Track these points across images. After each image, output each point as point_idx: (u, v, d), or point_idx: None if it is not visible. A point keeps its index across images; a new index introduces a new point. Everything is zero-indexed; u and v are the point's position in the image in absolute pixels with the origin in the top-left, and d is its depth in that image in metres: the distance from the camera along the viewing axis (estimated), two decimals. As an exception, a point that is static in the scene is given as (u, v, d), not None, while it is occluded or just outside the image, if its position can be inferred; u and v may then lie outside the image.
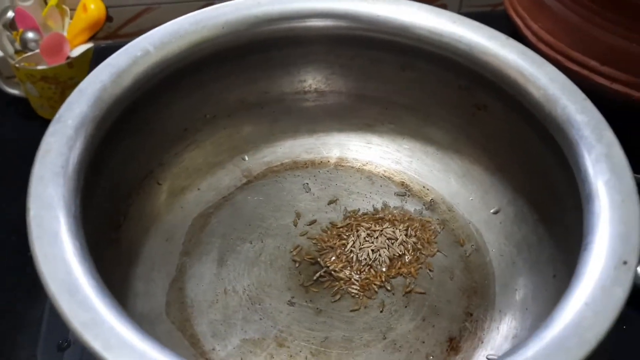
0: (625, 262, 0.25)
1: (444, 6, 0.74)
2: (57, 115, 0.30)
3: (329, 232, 0.40)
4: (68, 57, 0.68)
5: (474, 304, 0.36)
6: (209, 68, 0.39)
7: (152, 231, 0.38)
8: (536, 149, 0.35)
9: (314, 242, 0.40)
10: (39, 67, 0.68)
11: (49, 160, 0.28)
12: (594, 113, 0.31)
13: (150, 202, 0.39)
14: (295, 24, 0.39)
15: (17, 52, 0.68)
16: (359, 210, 0.42)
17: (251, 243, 0.40)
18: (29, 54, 0.68)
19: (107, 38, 0.73)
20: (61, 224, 0.26)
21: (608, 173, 0.28)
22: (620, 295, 0.24)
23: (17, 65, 0.68)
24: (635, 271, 0.24)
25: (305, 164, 0.44)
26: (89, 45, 0.69)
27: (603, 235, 0.26)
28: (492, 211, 0.40)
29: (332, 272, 0.38)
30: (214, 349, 0.34)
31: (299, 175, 0.44)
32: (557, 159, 0.33)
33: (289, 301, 0.37)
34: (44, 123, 0.76)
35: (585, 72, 0.44)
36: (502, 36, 0.36)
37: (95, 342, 0.22)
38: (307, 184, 0.43)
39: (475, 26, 0.37)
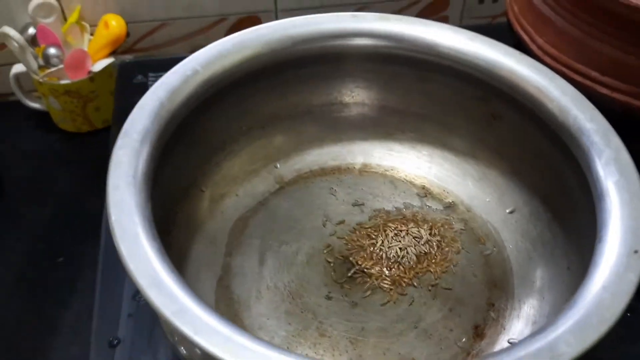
0: (636, 251, 0.28)
1: (445, 18, 0.79)
2: (123, 130, 0.34)
3: (357, 232, 0.44)
4: (90, 72, 0.71)
5: (495, 296, 0.40)
6: (247, 85, 0.42)
7: (197, 235, 0.42)
8: (549, 154, 0.39)
9: (344, 242, 0.43)
10: (62, 82, 0.71)
11: (122, 171, 0.31)
12: (602, 121, 0.35)
13: (195, 208, 0.42)
14: (326, 44, 0.43)
15: (40, 67, 0.71)
16: (384, 211, 0.45)
17: (287, 244, 0.43)
18: (53, 69, 0.71)
19: (124, 52, 0.77)
20: (139, 227, 0.29)
21: (617, 174, 0.32)
22: (633, 279, 0.27)
23: (41, 80, 0.71)
24: None
25: (332, 170, 0.48)
26: (110, 60, 0.72)
27: (615, 229, 0.30)
28: (508, 211, 0.43)
29: (364, 269, 0.42)
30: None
31: (326, 181, 0.47)
32: (569, 163, 0.37)
33: (326, 296, 0.40)
34: (64, 135, 0.80)
35: (587, 82, 0.48)
36: (516, 52, 0.40)
37: (185, 328, 0.25)
38: (335, 188, 0.47)
39: (491, 43, 0.41)
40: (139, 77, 0.65)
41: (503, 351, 0.25)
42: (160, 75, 0.65)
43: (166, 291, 0.27)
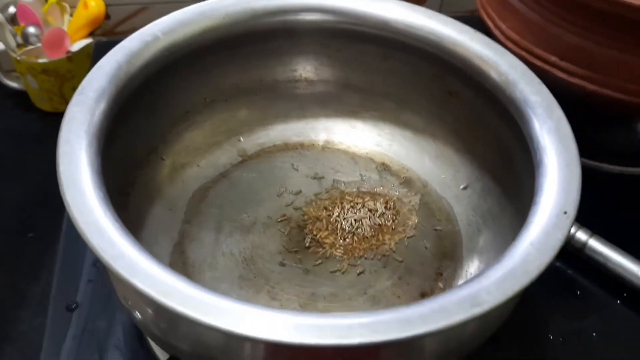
0: (565, 212, 0.29)
1: (423, 10, 0.79)
2: (79, 88, 0.34)
3: (315, 204, 0.45)
4: (68, 52, 0.72)
5: (444, 266, 0.41)
6: (209, 55, 0.43)
7: (156, 201, 0.43)
8: (499, 128, 0.40)
9: (301, 212, 0.44)
10: (40, 60, 0.71)
11: (74, 126, 0.32)
12: (547, 95, 0.36)
13: (155, 175, 0.43)
14: (289, 17, 0.44)
15: (18, 46, 0.72)
16: (343, 185, 0.46)
17: (246, 214, 0.44)
18: (31, 47, 0.72)
19: (105, 35, 0.77)
20: (86, 177, 0.30)
21: (556, 142, 0.33)
22: (559, 237, 0.28)
23: (18, 58, 0.71)
24: (574, 224, 0.29)
25: (295, 146, 0.49)
26: (89, 40, 0.73)
27: (549, 192, 0.31)
28: (461, 187, 0.44)
29: (319, 239, 0.42)
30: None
31: (289, 156, 0.48)
32: (515, 134, 0.38)
33: (280, 262, 0.41)
34: (42, 115, 0.80)
35: (547, 67, 0.49)
36: (470, 30, 0.41)
37: (123, 270, 0.26)
38: (297, 163, 0.48)
39: (447, 21, 0.42)
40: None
41: (431, 299, 0.26)
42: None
43: (107, 237, 0.27)
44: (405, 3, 0.43)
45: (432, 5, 0.80)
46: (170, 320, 0.29)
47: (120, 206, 0.35)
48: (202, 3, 0.41)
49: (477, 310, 0.25)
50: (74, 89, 0.75)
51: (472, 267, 0.40)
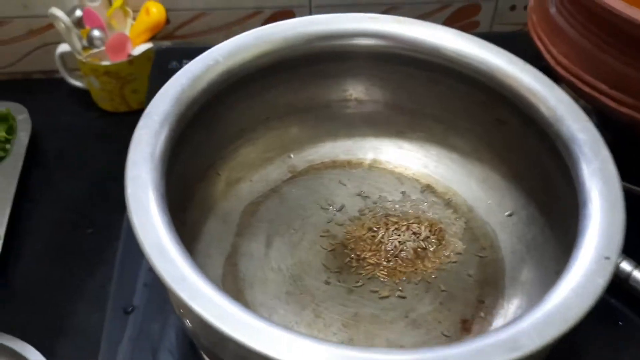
0: (607, 258, 0.30)
1: (476, 24, 0.79)
2: (145, 112, 0.37)
3: (360, 223, 0.46)
4: (129, 55, 0.75)
5: (485, 293, 0.42)
6: (266, 77, 0.45)
7: (211, 215, 0.45)
8: (546, 160, 0.41)
9: (347, 231, 0.46)
10: (103, 63, 0.75)
11: (140, 149, 0.35)
12: (593, 132, 0.37)
13: (211, 190, 0.46)
14: (343, 42, 0.45)
15: (83, 48, 0.75)
16: (388, 205, 0.47)
17: (294, 229, 0.46)
18: (95, 50, 0.75)
19: (164, 38, 0.80)
20: (152, 200, 0.32)
21: (601, 184, 0.34)
22: (600, 283, 0.29)
23: (83, 60, 0.75)
24: (618, 266, 0.30)
25: (343, 163, 0.51)
26: (149, 45, 0.76)
27: (591, 235, 0.32)
28: (506, 214, 0.45)
29: (363, 259, 0.44)
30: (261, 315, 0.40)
31: (336, 173, 0.50)
32: (562, 171, 0.38)
33: (325, 281, 0.43)
34: (103, 114, 0.84)
35: (595, 94, 0.49)
36: (520, 61, 0.42)
37: (183, 293, 0.28)
38: (344, 180, 0.49)
39: (498, 51, 0.42)
40: (174, 63, 0.69)
41: (469, 340, 0.28)
42: (193, 63, 0.68)
43: (170, 260, 0.30)
44: (457, 31, 0.44)
45: (485, 17, 0.80)
46: (221, 340, 0.31)
47: (179, 222, 0.37)
48: (260, 28, 0.43)
49: (515, 355, 0.26)
50: (134, 91, 0.79)
51: (514, 297, 0.41)
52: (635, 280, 0.45)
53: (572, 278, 0.30)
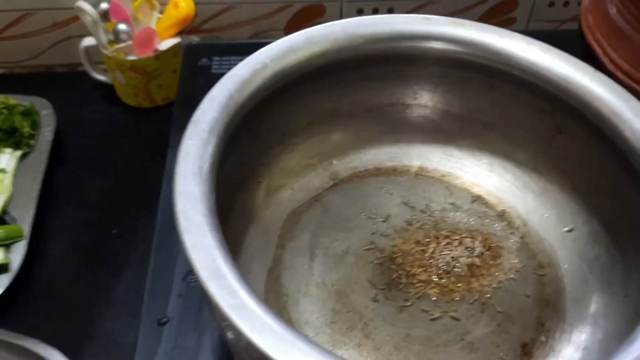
0: None
1: (513, 20, 0.77)
2: (193, 119, 0.34)
3: (409, 236, 0.44)
4: (156, 50, 0.73)
5: (545, 315, 0.39)
6: (311, 80, 0.42)
7: (251, 225, 0.43)
8: (615, 176, 0.38)
9: (395, 245, 0.43)
10: (129, 58, 0.73)
11: (189, 161, 0.32)
12: (678, 150, 0.34)
13: (252, 199, 0.43)
14: (395, 44, 0.42)
15: (109, 42, 0.73)
16: (437, 216, 0.45)
17: (338, 241, 0.44)
18: (122, 45, 0.73)
19: (190, 32, 0.78)
20: (204, 218, 0.30)
21: (689, 207, 0.31)
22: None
23: (109, 54, 0.73)
24: None
25: (388, 171, 0.48)
26: (177, 40, 0.74)
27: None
28: (566, 229, 0.42)
29: (413, 275, 0.42)
30: (307, 336, 0.38)
31: (381, 181, 0.47)
32: (636, 188, 0.35)
33: (373, 298, 0.40)
34: (127, 109, 0.82)
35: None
36: (590, 69, 0.39)
37: (241, 323, 0.26)
38: (389, 189, 0.47)
39: (565, 57, 0.40)
40: (204, 60, 0.66)
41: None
42: (224, 60, 0.66)
43: (225, 285, 0.27)
44: (519, 34, 0.41)
45: (522, 13, 0.77)
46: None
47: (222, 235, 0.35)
48: (310, 29, 0.41)
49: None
50: (160, 86, 0.77)
51: (577, 320, 0.38)
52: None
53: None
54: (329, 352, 0.25)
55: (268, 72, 0.38)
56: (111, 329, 0.59)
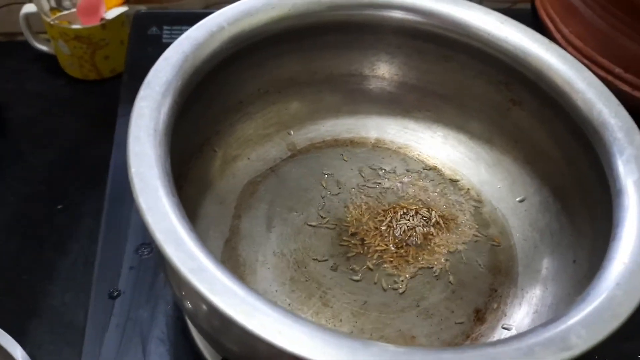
0: (651, 251, 0.29)
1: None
2: (145, 81, 0.33)
3: (367, 207, 0.44)
4: (102, 19, 0.70)
5: (498, 282, 0.40)
6: (268, 47, 0.41)
7: (207, 195, 0.42)
8: (567, 145, 0.39)
9: (352, 216, 0.43)
10: (74, 26, 0.70)
11: (143, 123, 0.31)
12: (627, 118, 0.35)
13: (207, 167, 0.42)
14: (353, 12, 0.42)
15: (51, 9, 0.70)
16: (395, 189, 0.45)
17: (296, 211, 0.43)
18: (65, 12, 0.70)
19: (138, 2, 0.75)
20: (159, 180, 0.29)
21: (637, 173, 0.32)
22: (646, 278, 0.28)
23: (51, 22, 0.69)
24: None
25: (345, 142, 0.48)
26: (124, 8, 0.71)
27: (631, 227, 0.30)
28: (518, 199, 0.43)
29: (370, 245, 0.42)
30: (265, 304, 0.37)
31: (338, 153, 0.47)
32: (587, 156, 0.37)
33: (331, 267, 0.40)
34: (71, 81, 0.79)
35: (609, 77, 0.48)
36: (545, 40, 0.40)
37: (202, 286, 0.25)
38: (347, 161, 0.47)
39: (522, 28, 0.40)
40: (154, 29, 0.64)
41: (514, 337, 0.26)
42: (176, 29, 0.64)
43: (184, 248, 0.26)
44: (477, 5, 0.42)
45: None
46: (240, 334, 0.28)
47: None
48: (268, -7, 0.40)
49: (566, 355, 0.25)
50: (106, 57, 0.74)
51: (529, 286, 0.39)
52: None
53: (614, 272, 0.28)
54: (291, 313, 0.25)
55: (225, 35, 0.37)
56: (57, 306, 0.58)
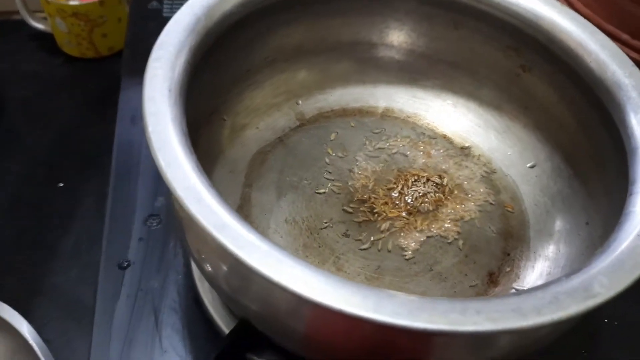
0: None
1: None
2: (158, 42, 0.33)
3: (378, 174, 0.44)
4: (100, -5, 0.69)
5: (510, 246, 0.40)
6: (280, 12, 0.41)
7: (217, 163, 0.41)
8: (580, 109, 0.39)
9: (364, 183, 0.43)
10: (71, 3, 0.69)
11: (157, 83, 0.30)
12: (641, 78, 0.35)
13: (217, 135, 0.42)
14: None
15: (49, -14, 0.68)
16: (404, 156, 0.45)
17: (306, 180, 0.43)
18: (63, -12, 0.68)
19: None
20: (177, 140, 0.28)
21: (654, 129, 0.32)
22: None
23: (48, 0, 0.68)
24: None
25: (354, 112, 0.48)
26: (123, -16, 0.70)
27: (650, 182, 0.30)
28: (528, 165, 0.43)
29: (382, 211, 0.41)
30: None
31: (347, 122, 0.47)
32: (601, 119, 0.36)
33: (344, 233, 0.40)
34: (69, 60, 0.78)
35: (617, 44, 0.47)
36: (557, 3, 0.39)
37: (226, 240, 0.25)
38: (356, 130, 0.46)
39: (532, -9, 0.40)
40: (154, 2, 0.63)
41: (538, 287, 0.26)
42: (176, 2, 0.63)
43: (205, 204, 0.26)
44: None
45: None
46: (266, 288, 0.28)
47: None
48: (277, -43, 0.39)
49: (591, 303, 0.25)
50: (104, 35, 0.73)
51: (541, 249, 0.40)
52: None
53: (634, 223, 0.28)
54: (314, 267, 0.25)
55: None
56: (62, 283, 0.57)
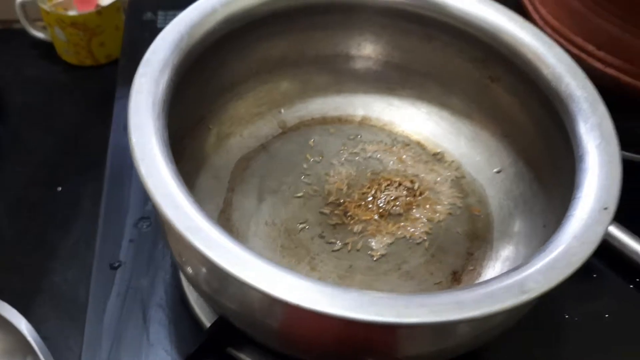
0: (605, 208, 0.31)
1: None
2: (144, 59, 0.35)
3: (353, 179, 0.46)
4: (97, 6, 0.72)
5: (475, 246, 0.43)
6: (260, 27, 0.44)
7: (202, 169, 0.44)
8: (540, 118, 0.42)
9: (339, 187, 0.46)
10: (70, 13, 0.72)
11: (142, 97, 0.33)
12: (592, 90, 0.38)
13: (202, 144, 0.45)
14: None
15: (47, -3, 0.71)
16: (379, 162, 0.48)
17: (286, 184, 0.46)
18: (61, -1, 0.71)
19: (135, -11, 0.76)
20: (158, 150, 0.31)
21: (599, 139, 0.35)
22: (599, 231, 0.31)
23: (48, 9, 0.71)
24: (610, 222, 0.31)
25: (333, 120, 0.50)
26: (119, -5, 0.73)
27: (590, 187, 0.33)
28: (495, 170, 0.46)
29: (356, 214, 0.44)
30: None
31: (327, 130, 0.50)
32: (557, 126, 0.39)
33: (319, 235, 0.43)
34: (68, 67, 0.81)
35: (583, 55, 0.50)
36: (520, 19, 0.42)
37: (199, 243, 0.28)
38: (335, 138, 0.49)
39: (497, 7, 0.43)
40: (149, 14, 0.66)
41: (478, 284, 0.28)
42: (170, 14, 0.66)
43: (181, 209, 0.29)
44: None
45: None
46: (235, 288, 0.31)
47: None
48: (258, -24, 0.42)
49: (525, 297, 0.27)
50: (102, 44, 0.76)
51: (502, 249, 0.42)
52: (609, 235, 0.47)
53: (572, 227, 0.31)
54: (284, 267, 0.28)
55: (218, 17, 0.39)
56: (60, 283, 0.60)
